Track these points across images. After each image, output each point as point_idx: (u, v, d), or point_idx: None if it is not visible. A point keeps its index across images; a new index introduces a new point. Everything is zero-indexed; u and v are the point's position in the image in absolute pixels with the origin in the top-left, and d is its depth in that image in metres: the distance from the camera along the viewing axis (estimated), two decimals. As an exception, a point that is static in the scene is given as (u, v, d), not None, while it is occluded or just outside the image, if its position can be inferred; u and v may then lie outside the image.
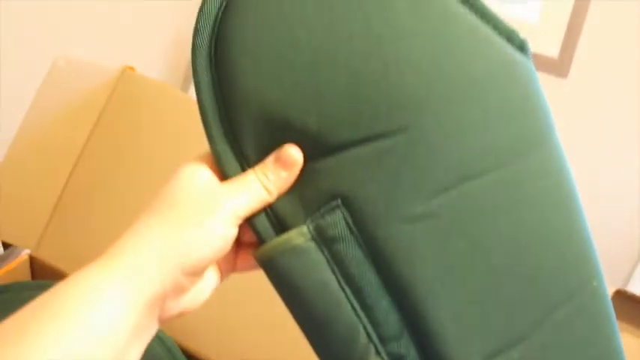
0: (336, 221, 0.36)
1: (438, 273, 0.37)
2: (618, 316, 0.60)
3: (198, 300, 0.37)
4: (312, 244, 0.36)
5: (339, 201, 0.36)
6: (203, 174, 0.36)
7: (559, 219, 0.39)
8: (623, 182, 1.32)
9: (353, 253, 0.36)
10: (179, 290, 0.34)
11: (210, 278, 0.38)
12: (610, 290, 0.61)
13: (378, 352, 0.37)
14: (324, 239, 0.36)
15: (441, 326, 0.37)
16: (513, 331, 0.38)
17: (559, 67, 1.35)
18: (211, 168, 0.36)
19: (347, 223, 0.36)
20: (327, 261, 0.36)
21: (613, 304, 0.61)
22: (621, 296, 0.61)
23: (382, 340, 0.37)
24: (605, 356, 0.41)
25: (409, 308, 0.37)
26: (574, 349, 0.40)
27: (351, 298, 0.36)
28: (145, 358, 0.59)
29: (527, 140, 0.38)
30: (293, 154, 0.36)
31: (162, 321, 0.35)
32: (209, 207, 0.34)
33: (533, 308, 0.38)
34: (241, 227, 0.36)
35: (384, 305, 0.37)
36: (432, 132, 0.36)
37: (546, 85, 1.32)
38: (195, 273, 0.35)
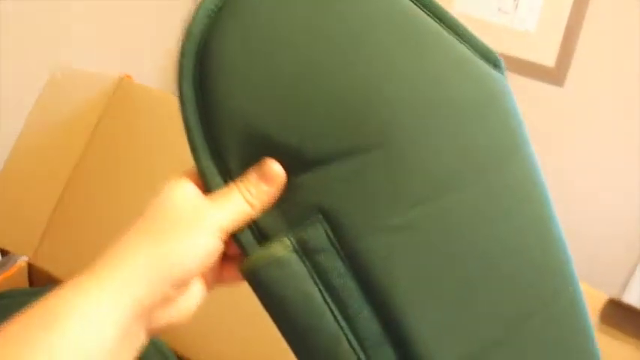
0: (318, 234, 0.37)
1: (415, 282, 0.38)
2: (611, 324, 0.61)
3: (185, 311, 0.38)
4: (294, 256, 0.37)
5: (320, 214, 0.37)
6: (188, 189, 0.37)
7: (534, 229, 0.41)
8: (620, 190, 1.33)
9: (334, 265, 0.38)
10: (166, 301, 0.35)
11: (197, 290, 0.38)
12: (604, 299, 0.62)
13: None
14: (306, 251, 0.37)
15: (420, 334, 0.38)
16: (490, 338, 0.39)
17: (556, 75, 1.36)
18: (196, 183, 0.37)
19: (328, 235, 0.37)
20: (310, 272, 0.37)
21: (606, 312, 0.61)
22: (615, 305, 0.61)
23: (364, 348, 0.38)
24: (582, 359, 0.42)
25: (389, 317, 0.38)
26: (551, 355, 0.41)
27: (333, 308, 0.38)
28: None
29: (502, 154, 0.40)
30: (273, 168, 0.37)
31: (150, 331, 0.36)
32: (194, 221, 0.36)
33: (509, 316, 0.40)
34: (227, 241, 0.37)
35: (365, 315, 0.38)
36: (408, 146, 0.37)
37: (543, 93, 1.34)
38: (181, 284, 0.36)
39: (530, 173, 0.41)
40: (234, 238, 0.38)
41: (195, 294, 0.38)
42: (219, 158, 0.38)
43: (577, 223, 1.34)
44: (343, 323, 0.38)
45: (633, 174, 1.31)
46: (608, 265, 1.29)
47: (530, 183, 0.41)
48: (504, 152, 0.40)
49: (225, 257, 0.39)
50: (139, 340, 0.35)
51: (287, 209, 0.38)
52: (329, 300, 0.38)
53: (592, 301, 0.62)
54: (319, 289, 0.38)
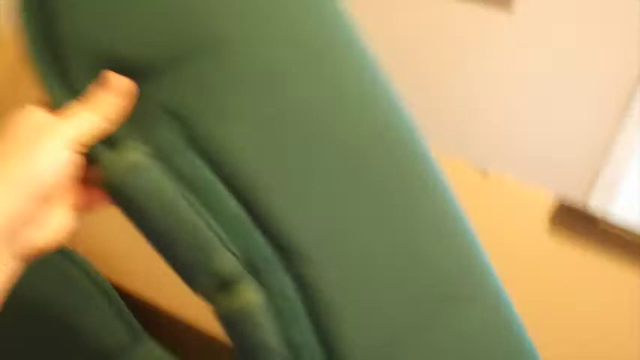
0: (169, 135, 0.39)
1: (268, 165, 0.39)
2: (561, 226, 0.58)
3: (53, 233, 0.38)
4: (150, 160, 0.38)
5: (168, 116, 0.39)
6: (36, 112, 0.39)
7: (377, 119, 0.43)
8: (573, 118, 1.31)
9: (191, 162, 0.39)
10: (27, 220, 0.36)
11: (63, 212, 0.39)
12: (554, 201, 0.59)
13: (233, 254, 0.39)
14: (160, 153, 0.39)
15: (282, 213, 0.40)
16: (351, 219, 0.41)
17: (504, 0, 1.32)
18: (45, 107, 0.39)
19: (180, 135, 0.39)
20: (167, 173, 0.38)
21: (556, 214, 0.59)
22: (565, 208, 0.59)
23: (233, 240, 0.39)
24: (459, 237, 0.46)
25: (252, 203, 0.39)
26: (430, 246, 0.45)
27: (196, 204, 0.38)
28: (59, 280, 0.68)
29: (333, 50, 0.43)
30: (113, 78, 0.39)
31: (19, 256, 0.37)
32: (44, 136, 0.37)
33: (368, 198, 0.42)
34: (91, 166, 0.39)
35: (231, 208, 0.39)
36: (237, 44, 0.41)
37: (490, 19, 1.26)
38: (42, 201, 0.37)
39: (368, 71, 0.43)
40: (90, 154, 0.39)
41: (61, 215, 0.39)
42: (65, 77, 0.39)
43: (530, 148, 1.33)
44: (210, 219, 0.38)
45: (586, 100, 1.29)
46: (569, 175, 1.28)
47: (367, 82, 0.43)
48: (336, 48, 0.43)
49: (90, 182, 0.39)
50: (7, 265, 0.36)
51: (137, 118, 0.39)
52: (190, 197, 0.38)
53: (543, 203, 0.60)
54: (180, 189, 0.38)
